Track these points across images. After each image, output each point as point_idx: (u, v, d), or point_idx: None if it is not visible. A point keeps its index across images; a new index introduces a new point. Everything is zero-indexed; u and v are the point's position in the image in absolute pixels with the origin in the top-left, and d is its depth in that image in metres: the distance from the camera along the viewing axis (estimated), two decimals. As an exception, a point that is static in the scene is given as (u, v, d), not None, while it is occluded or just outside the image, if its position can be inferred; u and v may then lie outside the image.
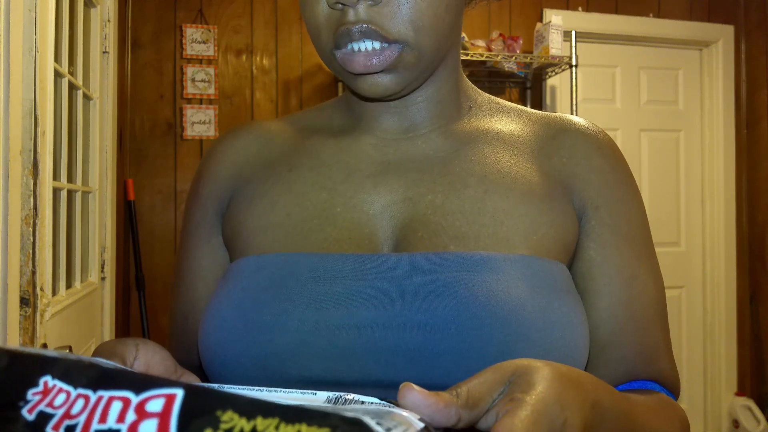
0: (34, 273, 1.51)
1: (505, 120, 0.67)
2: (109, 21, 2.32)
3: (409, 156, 0.63)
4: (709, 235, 3.36)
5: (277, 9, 2.89)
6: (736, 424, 3.22)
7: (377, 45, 0.55)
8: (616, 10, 3.22)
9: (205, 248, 0.67)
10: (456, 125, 0.65)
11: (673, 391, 0.64)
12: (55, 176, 1.77)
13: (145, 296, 2.65)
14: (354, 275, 0.55)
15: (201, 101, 2.80)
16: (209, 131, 2.79)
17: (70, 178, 1.99)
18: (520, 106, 0.70)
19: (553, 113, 0.68)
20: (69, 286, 1.96)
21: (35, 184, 1.52)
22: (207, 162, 0.70)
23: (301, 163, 0.64)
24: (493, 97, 0.70)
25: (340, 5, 0.55)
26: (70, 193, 1.98)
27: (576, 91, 2.70)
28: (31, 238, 1.50)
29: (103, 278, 2.27)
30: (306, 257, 0.57)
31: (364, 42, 0.55)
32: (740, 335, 3.34)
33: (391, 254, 0.57)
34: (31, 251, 1.50)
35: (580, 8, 3.18)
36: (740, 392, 3.30)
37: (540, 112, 0.69)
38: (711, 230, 3.36)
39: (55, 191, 1.77)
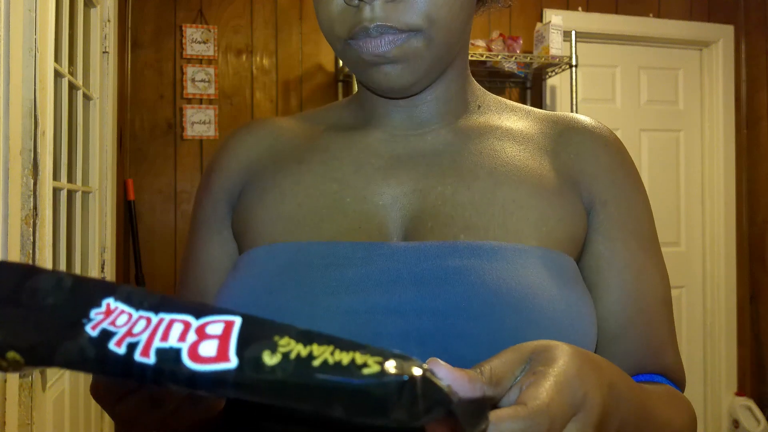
0: (34, 273, 1.51)
1: (513, 118, 0.68)
2: (109, 21, 2.32)
3: (418, 150, 0.64)
4: (709, 235, 3.36)
5: (277, 9, 2.89)
6: (736, 424, 3.22)
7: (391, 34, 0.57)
8: (616, 10, 3.22)
9: (215, 240, 0.68)
10: (464, 122, 0.66)
11: (679, 384, 0.65)
12: (55, 176, 1.77)
13: (145, 296, 2.65)
14: (365, 262, 0.56)
15: (201, 101, 2.80)
16: (209, 131, 2.79)
17: (70, 178, 1.99)
18: (526, 106, 0.71)
19: (560, 112, 0.69)
20: (69, 286, 1.95)
21: (35, 184, 1.52)
22: (218, 156, 0.71)
23: (311, 157, 0.65)
24: (499, 97, 0.72)
25: (356, 1, 0.55)
26: (70, 193, 1.98)
27: (576, 91, 2.70)
28: (31, 238, 1.50)
29: (103, 278, 2.27)
30: (317, 245, 0.58)
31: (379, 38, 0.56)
32: (740, 335, 3.34)
33: (402, 243, 0.57)
34: (31, 251, 1.50)
35: (580, 8, 3.18)
36: (740, 392, 3.30)
37: (547, 111, 0.70)
38: (711, 230, 3.35)
39: (55, 191, 1.77)
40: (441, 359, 0.51)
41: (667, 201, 3.32)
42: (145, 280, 2.66)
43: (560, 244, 0.59)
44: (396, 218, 0.60)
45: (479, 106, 0.68)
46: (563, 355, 0.39)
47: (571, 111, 2.71)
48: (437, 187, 0.60)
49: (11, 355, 0.33)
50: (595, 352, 0.61)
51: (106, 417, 2.21)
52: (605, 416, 0.40)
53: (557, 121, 0.67)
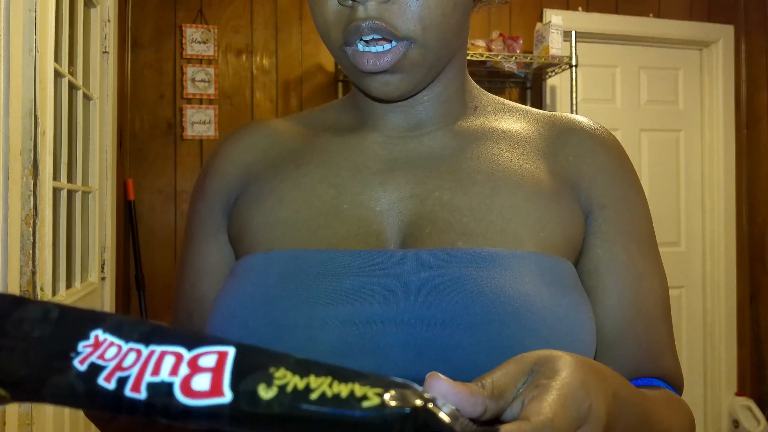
0: (34, 273, 1.51)
1: (510, 119, 0.67)
2: (109, 21, 2.32)
3: (416, 153, 0.63)
4: (709, 235, 3.36)
5: (277, 9, 2.89)
6: (736, 424, 3.22)
7: (386, 46, 0.56)
8: (616, 10, 3.22)
9: (212, 245, 0.67)
10: (462, 124, 0.65)
11: (677, 388, 0.65)
12: (55, 176, 1.77)
13: (145, 296, 2.65)
14: (362, 271, 0.55)
15: (201, 101, 2.80)
16: (209, 131, 2.79)
17: (70, 178, 1.99)
18: (524, 106, 0.70)
19: (558, 113, 0.68)
20: (69, 286, 1.96)
21: (35, 184, 1.52)
22: (213, 159, 0.69)
23: (309, 160, 0.64)
24: (497, 97, 0.71)
25: (350, 2, 0.55)
26: (70, 193, 1.98)
27: (576, 91, 2.70)
28: (31, 238, 1.50)
29: (103, 278, 2.27)
30: (314, 254, 0.57)
31: (373, 39, 0.56)
32: (740, 335, 3.34)
33: (399, 250, 0.57)
34: (31, 251, 1.50)
35: (580, 8, 3.18)
36: (740, 392, 3.30)
37: (544, 111, 0.69)
38: (711, 230, 3.35)
39: (55, 191, 1.77)
40: (439, 369, 0.51)
41: (667, 201, 3.32)
42: (145, 280, 2.66)
43: (558, 248, 0.58)
44: (393, 224, 0.59)
45: (476, 107, 0.67)
46: (566, 366, 0.38)
47: (571, 111, 2.71)
48: (435, 192, 0.59)
49: None
50: (594, 357, 0.61)
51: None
52: (609, 426, 0.40)
53: (555, 122, 0.66)
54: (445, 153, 0.63)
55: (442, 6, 0.56)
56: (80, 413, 1.95)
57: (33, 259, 1.51)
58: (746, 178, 3.34)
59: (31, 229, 1.50)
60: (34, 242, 1.51)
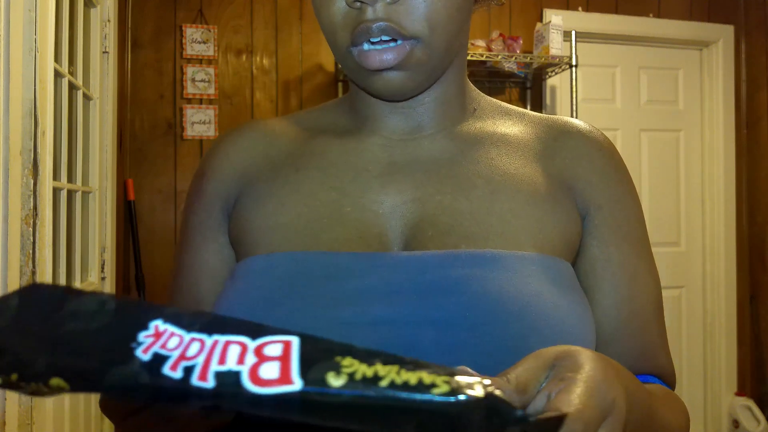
0: (34, 273, 1.51)
1: (508, 122, 0.68)
2: (109, 21, 2.32)
3: (415, 157, 0.64)
4: (709, 235, 3.36)
5: (277, 9, 2.89)
6: (736, 424, 3.21)
7: (392, 44, 0.57)
8: (616, 10, 3.22)
9: (211, 246, 0.66)
10: (461, 127, 0.66)
11: (671, 385, 0.66)
12: (55, 176, 1.77)
13: (145, 296, 2.65)
14: (366, 273, 0.56)
15: (201, 101, 2.80)
16: (209, 131, 2.79)
17: (70, 178, 1.99)
18: (521, 109, 0.71)
19: (554, 116, 0.70)
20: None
21: (35, 184, 1.52)
22: (210, 160, 0.69)
23: (308, 164, 0.64)
24: (495, 99, 0.72)
25: (359, 3, 0.55)
26: (70, 193, 1.98)
27: (576, 91, 2.70)
28: (31, 238, 1.50)
29: (103, 278, 2.27)
30: (317, 256, 0.57)
31: (380, 40, 0.56)
32: (740, 335, 3.34)
33: (403, 253, 0.57)
34: (31, 251, 1.50)
35: (580, 8, 3.18)
36: (740, 392, 3.30)
37: (541, 114, 0.70)
38: (711, 230, 3.35)
39: (55, 191, 1.77)
40: None
41: (667, 201, 3.32)
42: (145, 280, 2.66)
43: (556, 249, 0.59)
44: (396, 227, 0.59)
45: (475, 110, 0.68)
46: (588, 360, 0.39)
47: (571, 111, 2.71)
48: (435, 195, 0.60)
49: (55, 381, 0.31)
50: None
51: (107, 418, 2.21)
52: (627, 419, 0.41)
53: (552, 126, 0.67)
54: (445, 157, 0.63)
55: (448, 7, 0.57)
56: (80, 413, 1.95)
57: (33, 258, 1.51)
58: (746, 178, 3.34)
59: (31, 229, 1.50)
60: (34, 242, 1.51)
